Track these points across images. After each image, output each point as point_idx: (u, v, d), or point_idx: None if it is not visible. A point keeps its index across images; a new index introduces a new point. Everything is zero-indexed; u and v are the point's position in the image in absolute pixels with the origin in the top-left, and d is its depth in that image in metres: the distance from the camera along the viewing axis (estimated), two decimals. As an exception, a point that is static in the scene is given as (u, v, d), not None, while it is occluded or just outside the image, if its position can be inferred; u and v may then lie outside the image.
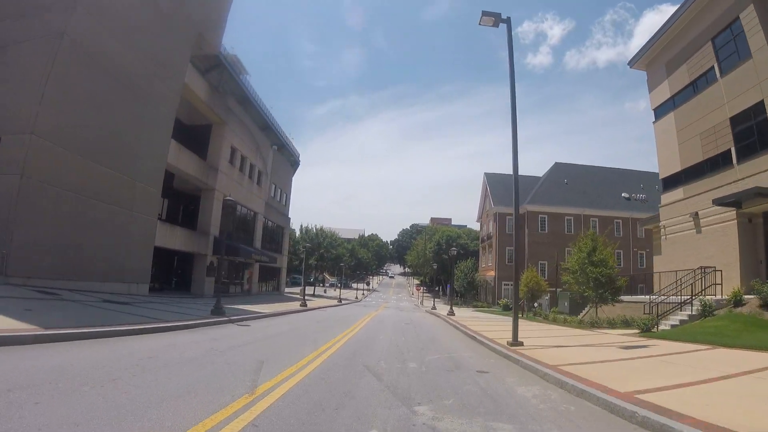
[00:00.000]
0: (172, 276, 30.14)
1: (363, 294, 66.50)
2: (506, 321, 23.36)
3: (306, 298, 42.57)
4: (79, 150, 16.30)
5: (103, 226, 18.01)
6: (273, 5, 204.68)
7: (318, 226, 55.68)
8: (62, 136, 15.45)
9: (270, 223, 40.57)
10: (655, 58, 23.88)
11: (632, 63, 25.31)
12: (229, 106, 30.59)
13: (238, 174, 32.16)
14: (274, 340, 9.87)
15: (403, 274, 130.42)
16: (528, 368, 7.58)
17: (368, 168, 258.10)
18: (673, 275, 18.60)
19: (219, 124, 29.91)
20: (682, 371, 7.01)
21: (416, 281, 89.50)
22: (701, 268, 16.35)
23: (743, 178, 16.48)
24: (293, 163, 49.25)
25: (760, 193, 14.54)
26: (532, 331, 15.88)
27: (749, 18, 16.92)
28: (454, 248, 25.50)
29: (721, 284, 15.77)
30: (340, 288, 47.10)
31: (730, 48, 18.47)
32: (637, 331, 14.20)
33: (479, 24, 10.98)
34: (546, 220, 49.22)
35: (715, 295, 15.38)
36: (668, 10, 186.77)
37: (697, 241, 19.25)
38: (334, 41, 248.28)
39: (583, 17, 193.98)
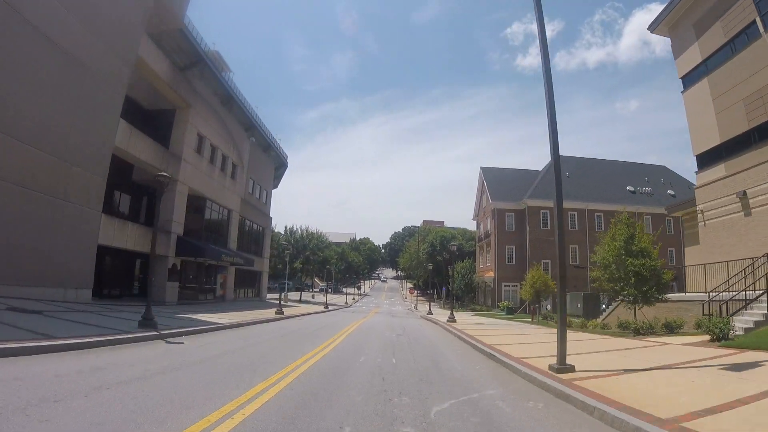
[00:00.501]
0: (134, 281, 26.36)
1: (354, 299, 62.82)
2: (518, 328, 19.98)
3: (290, 304, 39.03)
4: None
5: (29, 219, 14.53)
6: (264, 10, 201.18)
7: (304, 227, 52.03)
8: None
9: (248, 222, 36.81)
10: (680, 20, 20.70)
11: (653, 27, 22.10)
12: (195, 88, 26.95)
13: (208, 165, 28.48)
14: (190, 373, 6.30)
15: (396, 277, 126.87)
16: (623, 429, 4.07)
17: (360, 173, 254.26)
18: (717, 268, 15.33)
19: (183, 108, 26.25)
20: None
21: (409, 284, 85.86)
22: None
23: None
24: (279, 164, 45.60)
25: None
26: (549, 344, 12.45)
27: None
28: (453, 244, 21.97)
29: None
30: (326, 293, 43.33)
31: (776, -5, 15.45)
32: (704, 338, 10.79)
33: None
34: (548, 215, 45.94)
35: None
36: (657, 9, 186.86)
37: (747, 224, 16.00)
38: (324, 45, 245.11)
39: (572, 18, 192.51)
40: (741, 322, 11.41)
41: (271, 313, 22.46)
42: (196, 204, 28.23)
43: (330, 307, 37.24)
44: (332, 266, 62.58)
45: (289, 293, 53.01)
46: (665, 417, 4.17)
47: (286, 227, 53.34)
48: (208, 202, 28.85)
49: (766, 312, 11.27)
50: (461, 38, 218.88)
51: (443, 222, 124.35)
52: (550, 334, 15.19)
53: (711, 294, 12.66)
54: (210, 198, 28.88)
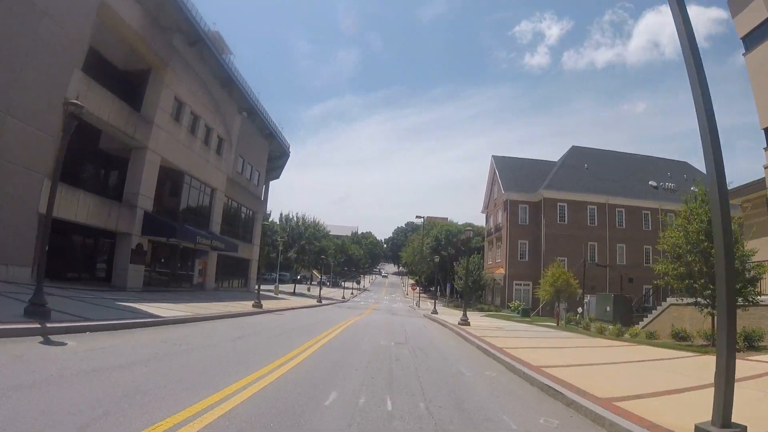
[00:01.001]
0: (96, 262, 22.89)
1: (352, 293, 59.29)
2: (551, 336, 16.22)
3: (280, 296, 35.43)
4: None
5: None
6: (270, 8, 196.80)
7: (300, 214, 48.31)
8: None
9: (235, 204, 33.19)
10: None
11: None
12: (174, 45, 23.31)
13: (187, 135, 24.85)
14: None
15: (398, 273, 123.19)
16: None
17: (363, 170, 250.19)
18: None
19: (159, 68, 22.60)
20: None
21: (411, 281, 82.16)
22: None
23: None
24: (281, 153, 41.86)
25: None
26: (627, 365, 8.86)
27: None
28: (469, 229, 18.29)
29: None
30: (320, 286, 39.69)
31: None
32: None
33: None
34: (566, 209, 42.15)
35: None
36: (668, 11, 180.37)
37: None
38: (328, 43, 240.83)
39: (582, 17, 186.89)
40: None
41: (247, 306, 18.98)
42: (172, 178, 24.67)
43: (323, 302, 33.69)
44: (330, 257, 59.00)
45: (283, 285, 49.53)
46: None
47: (281, 214, 49.66)
48: (187, 177, 25.27)
49: None
50: (465, 37, 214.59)
51: (447, 219, 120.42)
52: (608, 349, 11.60)
53: None
54: (189, 173, 25.29)
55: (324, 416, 4.05)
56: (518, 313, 33.30)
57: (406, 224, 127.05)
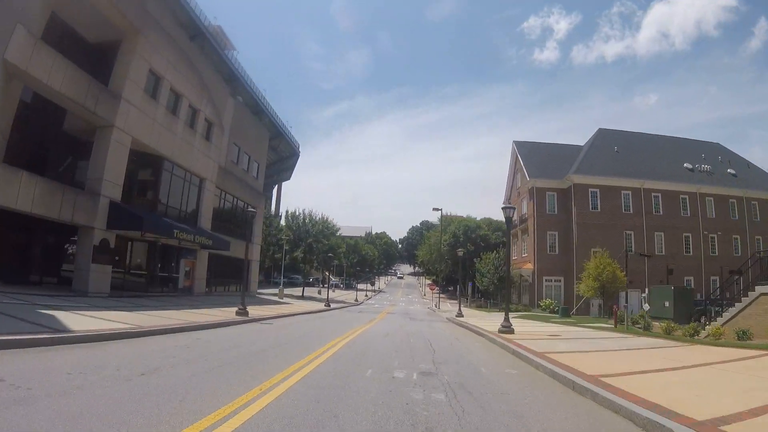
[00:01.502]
0: (63, 263, 19.61)
1: (366, 296, 55.55)
2: (628, 343, 12.15)
3: (284, 300, 31.80)
4: None
5: None
6: (279, 10, 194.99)
7: (307, 211, 44.56)
8: None
9: (228, 197, 29.69)
10: None
11: None
12: (148, 9, 19.93)
13: (166, 114, 21.40)
14: None
15: (414, 273, 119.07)
16: None
17: (376, 170, 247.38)
18: None
19: (130, 35, 19.24)
20: None
21: (428, 281, 78.00)
22: None
23: None
24: (290, 153, 38.42)
25: None
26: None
27: None
28: (509, 207, 14.33)
29: None
30: (328, 288, 35.91)
31: None
32: None
33: None
34: (597, 195, 37.83)
35: None
36: (677, 1, 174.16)
37: None
38: (339, 43, 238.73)
39: (590, 10, 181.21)
40: None
41: (230, 313, 15.36)
42: (149, 164, 21.25)
43: (332, 306, 29.99)
44: (341, 257, 55.13)
45: (294, 289, 45.98)
46: None
47: (287, 211, 45.99)
48: (167, 163, 21.81)
49: None
50: (474, 35, 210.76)
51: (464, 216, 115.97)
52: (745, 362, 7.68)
53: None
54: (170, 158, 21.84)
55: None
56: (556, 312, 29.11)
57: (420, 223, 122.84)
